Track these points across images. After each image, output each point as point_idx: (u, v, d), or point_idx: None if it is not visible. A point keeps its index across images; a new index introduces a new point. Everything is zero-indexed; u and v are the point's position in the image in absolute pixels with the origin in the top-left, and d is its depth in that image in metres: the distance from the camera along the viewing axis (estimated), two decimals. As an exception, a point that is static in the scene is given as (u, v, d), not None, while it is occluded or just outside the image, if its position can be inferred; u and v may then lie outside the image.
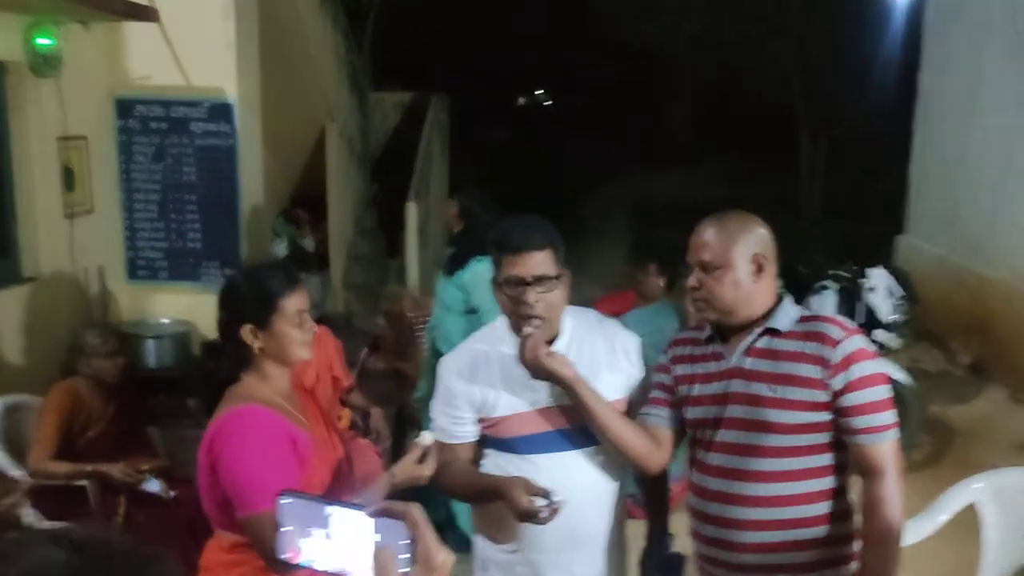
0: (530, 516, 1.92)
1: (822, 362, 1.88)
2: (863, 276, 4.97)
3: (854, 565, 1.94)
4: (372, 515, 1.01)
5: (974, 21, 6.95)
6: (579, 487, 2.08)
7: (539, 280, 2.01)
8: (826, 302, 4.99)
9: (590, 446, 2.11)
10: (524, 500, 1.92)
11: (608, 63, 16.73)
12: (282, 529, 1.06)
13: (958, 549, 3.38)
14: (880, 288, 4.93)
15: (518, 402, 2.11)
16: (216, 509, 1.95)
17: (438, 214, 8.63)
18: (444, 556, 1.01)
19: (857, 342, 1.91)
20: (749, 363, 1.96)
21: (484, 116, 16.66)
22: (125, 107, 5.48)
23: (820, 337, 1.90)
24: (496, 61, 17.26)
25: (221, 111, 5.47)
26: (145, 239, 5.62)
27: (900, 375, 4.82)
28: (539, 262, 2.02)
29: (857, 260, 5.30)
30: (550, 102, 25.56)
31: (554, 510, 1.92)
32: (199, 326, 5.28)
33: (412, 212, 7.54)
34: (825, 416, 1.89)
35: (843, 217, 10.88)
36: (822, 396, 1.88)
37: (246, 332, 1.98)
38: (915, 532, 2.74)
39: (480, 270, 3.69)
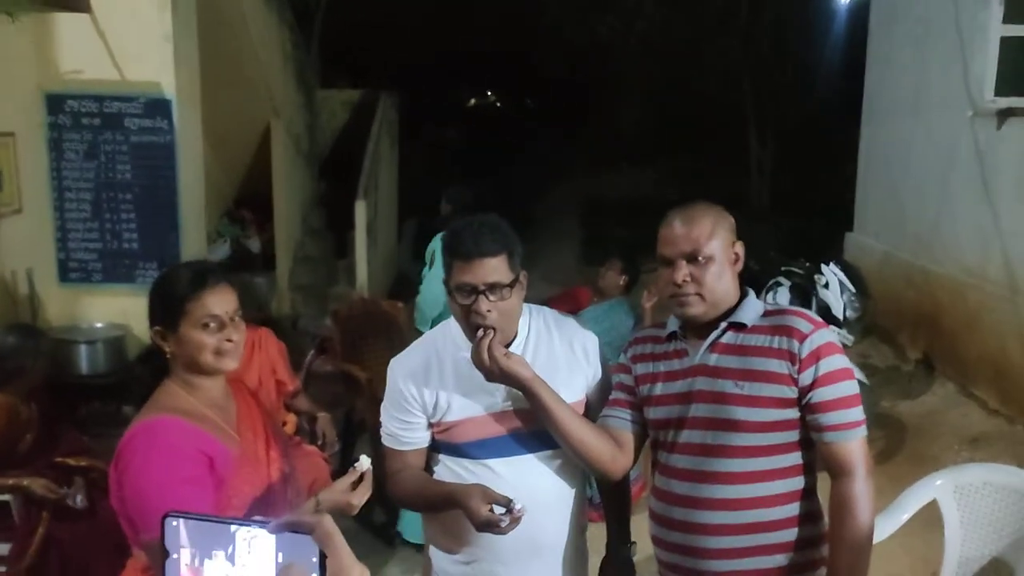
0: (490, 526, 1.81)
1: (790, 356, 1.81)
2: (817, 272, 4.96)
3: (823, 571, 1.86)
4: (277, 531, 0.89)
5: (918, 20, 7.04)
6: (538, 492, 1.97)
7: (492, 288, 1.88)
8: (780, 299, 4.98)
9: (549, 450, 2.01)
10: (483, 509, 1.82)
11: (559, 63, 16.71)
12: (172, 556, 0.93)
13: (923, 543, 3.37)
14: (833, 284, 4.93)
15: (472, 405, 1.99)
16: (129, 527, 1.80)
17: (387, 213, 8.49)
18: (360, 571, 0.90)
19: (825, 336, 1.85)
20: (714, 359, 1.88)
21: (435, 115, 16.53)
22: (55, 102, 5.26)
23: (788, 331, 1.84)
24: (447, 60, 17.10)
25: (158, 106, 5.27)
26: (78, 240, 5.40)
27: (855, 372, 4.83)
28: (492, 268, 1.88)
29: (808, 256, 5.31)
30: (501, 103, 25.51)
31: (515, 519, 1.81)
32: (135, 330, 5.08)
33: (361, 211, 7.39)
34: (793, 413, 1.82)
35: (792, 215, 10.98)
36: (790, 392, 1.81)
37: (155, 335, 1.86)
38: (879, 531, 2.69)
39: None
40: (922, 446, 5.28)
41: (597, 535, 2.24)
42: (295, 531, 0.89)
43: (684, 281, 1.86)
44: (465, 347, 1.95)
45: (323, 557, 0.89)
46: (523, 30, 15.85)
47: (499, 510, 1.81)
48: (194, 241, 5.52)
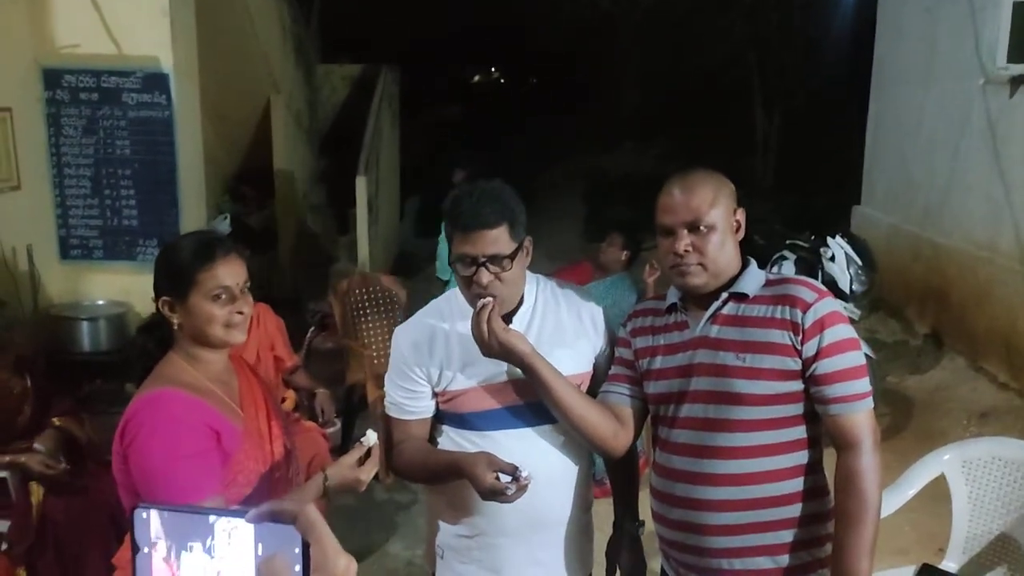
0: (495, 494, 1.78)
1: (793, 327, 1.75)
2: (823, 246, 4.89)
3: (829, 546, 1.81)
4: (258, 520, 0.84)
5: (928, -11, 6.91)
6: (543, 466, 1.93)
7: (493, 259, 1.84)
8: (785, 272, 4.91)
9: (553, 423, 1.97)
10: (489, 476, 1.78)
11: (562, 39, 16.57)
12: (143, 550, 0.88)
13: (931, 518, 3.34)
14: (840, 258, 4.86)
15: (477, 375, 1.95)
16: (130, 502, 1.76)
17: (388, 189, 8.43)
18: (345, 561, 0.85)
19: (829, 304, 1.78)
20: (715, 331, 1.82)
21: (437, 91, 16.41)
22: (52, 77, 5.20)
23: (791, 300, 1.77)
24: (449, 36, 16.96)
25: (156, 81, 5.21)
26: (78, 217, 5.36)
27: (862, 344, 4.77)
28: (493, 239, 1.83)
29: (815, 231, 5.23)
30: (504, 80, 25.32)
31: (522, 487, 1.78)
32: (136, 307, 5.04)
33: (362, 186, 7.33)
34: (797, 385, 1.76)
35: (799, 190, 10.87)
36: (793, 364, 1.75)
37: (163, 305, 1.80)
38: (884, 507, 2.66)
39: None
40: (930, 421, 5.23)
41: (600, 512, 2.21)
42: (276, 520, 0.84)
43: (686, 251, 1.80)
44: (470, 316, 1.91)
45: (306, 547, 0.84)
46: (526, 5, 15.68)
47: (505, 478, 1.78)
48: (194, 218, 5.47)
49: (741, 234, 1.86)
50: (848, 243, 4.95)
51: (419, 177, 10.19)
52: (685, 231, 1.80)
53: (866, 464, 1.74)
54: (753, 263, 1.89)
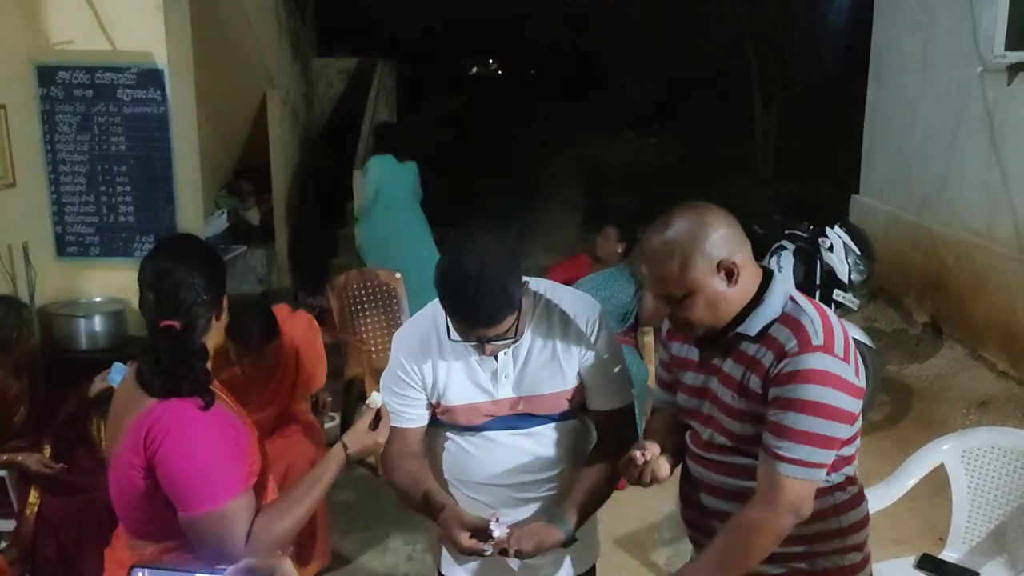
0: (474, 553, 1.84)
1: (765, 374, 1.66)
2: (822, 235, 4.87)
3: (855, 555, 1.79)
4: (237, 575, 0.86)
5: (926, -24, 6.88)
6: (543, 461, 1.98)
7: (498, 337, 1.83)
8: (784, 263, 4.90)
9: (553, 422, 1.99)
10: (463, 539, 1.83)
11: (561, 29, 16.51)
12: None
13: (930, 508, 3.34)
14: (838, 247, 4.84)
15: (472, 392, 1.96)
16: (143, 512, 1.75)
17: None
18: None
19: (816, 361, 1.62)
20: (722, 364, 1.77)
21: (434, 82, 16.35)
22: (46, 74, 5.17)
23: (775, 345, 1.67)
24: (446, 27, 16.90)
25: (151, 77, 5.18)
26: (74, 214, 5.34)
27: (859, 335, 4.76)
28: (496, 327, 1.80)
29: (814, 220, 5.21)
30: (502, 71, 25.24)
31: (499, 542, 1.82)
32: (133, 304, 5.01)
33: (359, 180, 7.30)
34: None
35: (798, 180, 10.85)
36: (765, 411, 1.67)
37: (225, 301, 1.86)
38: (884, 497, 2.68)
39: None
40: (930, 410, 5.23)
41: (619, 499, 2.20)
42: (255, 574, 0.86)
43: (670, 323, 1.79)
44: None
45: None
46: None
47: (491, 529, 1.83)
48: (191, 214, 5.45)
49: (738, 280, 1.70)
50: (847, 232, 4.94)
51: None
52: (662, 301, 1.75)
53: (756, 520, 1.65)
54: (771, 294, 1.73)
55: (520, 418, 1.96)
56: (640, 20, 14.19)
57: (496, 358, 1.92)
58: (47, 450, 3.04)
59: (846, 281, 4.79)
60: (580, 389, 1.99)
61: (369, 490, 4.40)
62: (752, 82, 12.32)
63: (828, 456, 1.65)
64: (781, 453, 1.63)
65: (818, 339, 1.64)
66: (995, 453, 2.70)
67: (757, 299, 1.72)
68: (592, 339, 1.97)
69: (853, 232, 4.95)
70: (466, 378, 1.94)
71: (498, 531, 1.81)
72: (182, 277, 1.75)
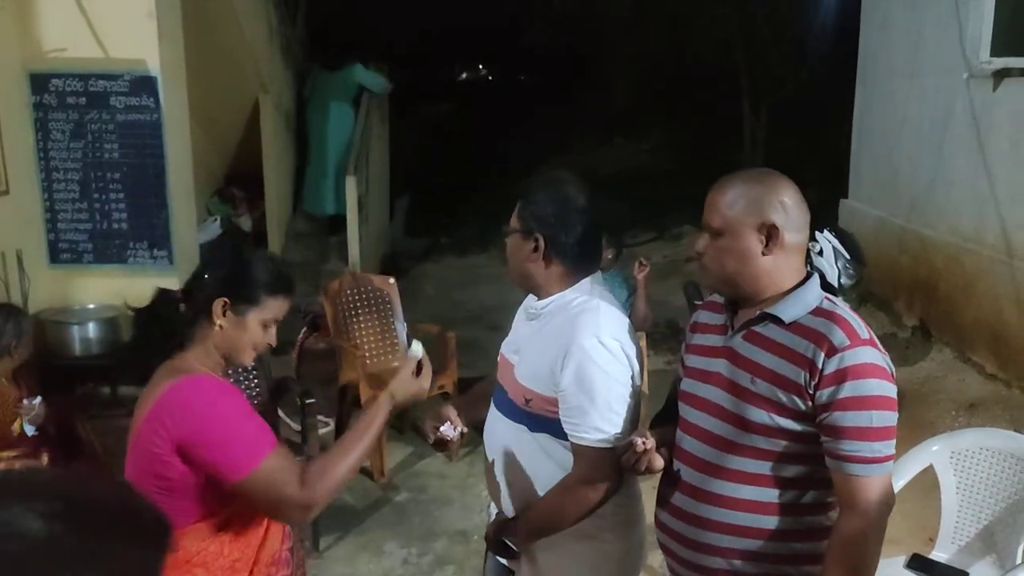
0: (441, 444, 2.11)
1: (811, 368, 1.63)
2: (812, 239, 4.90)
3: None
4: None
5: (913, -17, 6.95)
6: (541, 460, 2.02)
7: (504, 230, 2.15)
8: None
9: (511, 420, 2.06)
10: (429, 427, 2.11)
11: (551, 35, 16.52)
12: None
13: (920, 508, 3.37)
14: (827, 252, 4.88)
15: (507, 345, 2.15)
16: (184, 500, 1.76)
17: (378, 189, 8.41)
18: None
19: (864, 355, 1.62)
20: (740, 345, 1.75)
21: (426, 88, 16.36)
22: (39, 82, 5.18)
23: (819, 338, 1.64)
24: (437, 33, 16.92)
25: (143, 84, 5.19)
26: (67, 221, 5.34)
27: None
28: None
29: (803, 224, 5.24)
30: (492, 77, 25.26)
31: (440, 437, 2.09)
32: (127, 311, 5.02)
33: (351, 186, 7.32)
34: (803, 426, 1.67)
35: (786, 184, 10.89)
36: (802, 404, 1.65)
37: (219, 304, 1.84)
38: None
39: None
40: (919, 412, 5.27)
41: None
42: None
43: (698, 252, 1.79)
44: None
45: None
46: (516, 2, 15.67)
47: (447, 429, 2.09)
48: (184, 220, 5.46)
49: (779, 249, 1.70)
50: (836, 237, 4.96)
51: (409, 175, 10.19)
52: (705, 232, 1.78)
53: (856, 531, 1.64)
54: (809, 286, 1.74)
55: (502, 393, 2.07)
56: (630, 25, 14.23)
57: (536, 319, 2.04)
58: (44, 458, 3.05)
59: (836, 285, 4.82)
60: (540, 400, 1.94)
61: (365, 494, 4.42)
62: (741, 87, 12.39)
63: (894, 447, 1.69)
64: (857, 454, 1.63)
65: (864, 333, 1.66)
66: (983, 454, 2.74)
67: (792, 290, 1.73)
68: (567, 362, 1.88)
69: (842, 236, 4.98)
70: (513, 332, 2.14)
71: (449, 433, 2.09)
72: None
